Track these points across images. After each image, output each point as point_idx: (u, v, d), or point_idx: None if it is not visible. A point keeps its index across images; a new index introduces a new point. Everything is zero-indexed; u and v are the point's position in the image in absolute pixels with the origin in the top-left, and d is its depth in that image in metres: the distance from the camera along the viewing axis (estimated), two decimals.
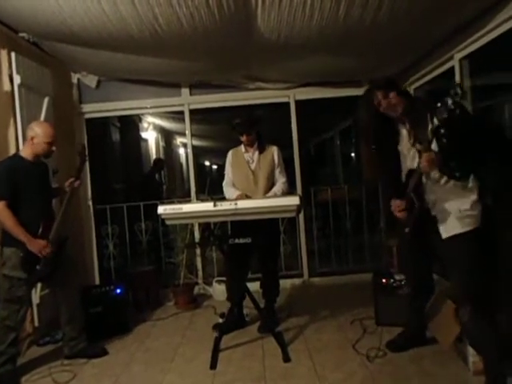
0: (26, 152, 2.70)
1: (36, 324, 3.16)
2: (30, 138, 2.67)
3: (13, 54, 3.08)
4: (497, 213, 2.30)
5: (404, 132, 2.35)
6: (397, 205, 2.29)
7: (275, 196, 3.04)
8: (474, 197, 2.14)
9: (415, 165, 2.19)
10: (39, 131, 2.67)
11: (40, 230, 2.60)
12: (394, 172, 2.42)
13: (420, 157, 2.06)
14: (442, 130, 2.00)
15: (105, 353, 2.95)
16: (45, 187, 2.79)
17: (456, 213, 2.14)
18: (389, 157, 2.42)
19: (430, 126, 2.03)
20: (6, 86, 3.12)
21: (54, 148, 2.71)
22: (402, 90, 2.38)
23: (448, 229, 2.18)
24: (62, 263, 2.74)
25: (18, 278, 2.57)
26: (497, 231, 2.23)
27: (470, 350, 2.29)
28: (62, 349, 2.92)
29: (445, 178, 2.16)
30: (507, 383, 2.04)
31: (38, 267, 2.59)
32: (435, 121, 2.00)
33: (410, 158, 2.30)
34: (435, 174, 2.16)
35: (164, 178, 6.70)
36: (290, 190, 3.36)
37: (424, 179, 2.21)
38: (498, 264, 2.21)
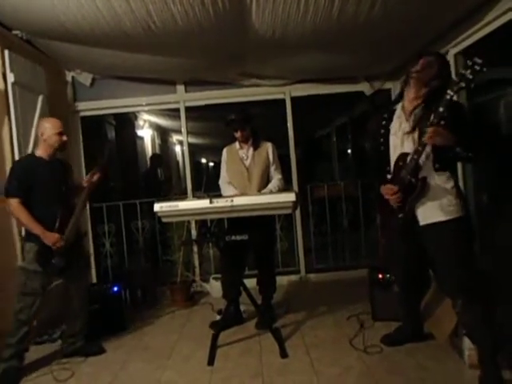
0: (40, 151, 2.76)
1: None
2: (40, 136, 2.74)
3: (6, 52, 3.05)
4: (492, 210, 2.32)
5: (398, 111, 2.31)
6: (388, 188, 2.26)
7: (271, 193, 3.04)
8: (453, 187, 2.17)
9: (406, 148, 2.19)
10: (47, 125, 2.75)
11: (57, 225, 2.66)
12: (384, 159, 2.37)
13: (426, 131, 2.02)
14: (445, 113, 1.99)
15: (102, 351, 2.95)
16: (61, 184, 2.81)
17: (438, 201, 2.15)
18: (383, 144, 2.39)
19: (441, 109, 1.99)
20: (0, 84, 3.10)
21: (65, 138, 2.77)
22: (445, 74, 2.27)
23: (428, 215, 2.17)
24: (78, 259, 2.83)
25: (34, 270, 2.63)
26: (489, 226, 2.25)
27: (466, 344, 2.31)
28: (61, 346, 2.93)
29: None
30: (501, 375, 2.07)
31: (53, 261, 2.65)
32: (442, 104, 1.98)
33: (399, 140, 2.25)
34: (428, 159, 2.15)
35: (162, 175, 6.68)
36: (285, 187, 3.36)
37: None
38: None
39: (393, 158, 2.29)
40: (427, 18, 2.93)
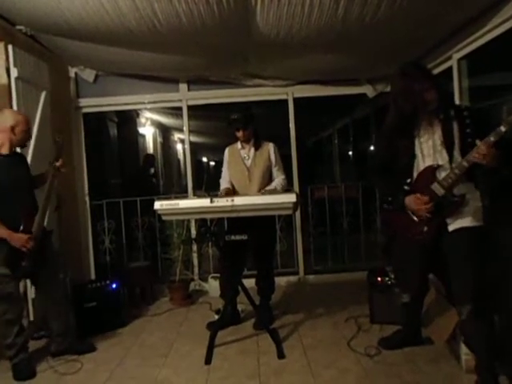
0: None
1: (31, 318, 3.15)
2: (8, 129, 2.51)
3: (10, 47, 3.05)
4: (494, 213, 2.30)
5: (424, 124, 2.20)
6: (420, 198, 2.14)
7: (273, 192, 3.04)
8: (480, 195, 2.15)
9: (438, 159, 2.12)
10: (20, 118, 2.57)
11: (22, 225, 2.49)
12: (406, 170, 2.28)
13: (478, 147, 1.93)
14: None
15: (93, 349, 2.92)
16: (23, 179, 2.62)
17: (471, 206, 2.12)
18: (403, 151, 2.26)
19: (503, 128, 1.88)
20: (3, 79, 3.10)
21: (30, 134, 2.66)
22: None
23: (460, 222, 2.12)
24: (47, 258, 2.66)
25: (4, 274, 2.48)
26: (493, 232, 2.23)
27: (463, 349, 2.31)
28: (49, 346, 2.88)
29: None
30: (498, 382, 2.06)
31: (23, 263, 2.50)
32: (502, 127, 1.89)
33: (431, 149, 2.16)
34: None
35: (154, 174, 6.68)
36: (289, 187, 3.37)
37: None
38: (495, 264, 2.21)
39: (420, 167, 2.20)
40: (432, 22, 2.93)
